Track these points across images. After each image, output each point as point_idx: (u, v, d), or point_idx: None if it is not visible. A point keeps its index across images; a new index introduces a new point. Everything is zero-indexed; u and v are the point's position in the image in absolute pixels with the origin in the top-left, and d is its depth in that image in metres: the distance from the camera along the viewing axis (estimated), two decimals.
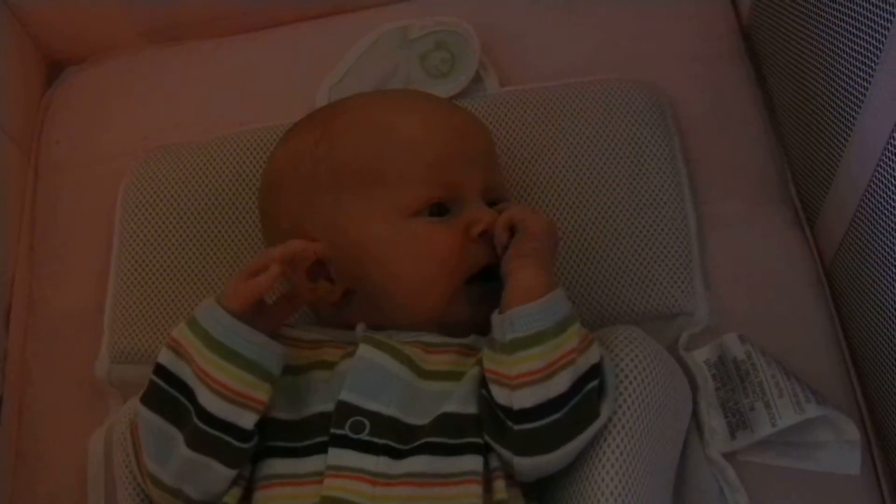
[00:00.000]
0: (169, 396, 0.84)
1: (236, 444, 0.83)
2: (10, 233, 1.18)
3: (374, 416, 0.84)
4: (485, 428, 0.84)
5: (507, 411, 0.83)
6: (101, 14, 1.28)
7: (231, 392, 0.82)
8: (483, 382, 0.86)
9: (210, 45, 1.29)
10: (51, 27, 1.30)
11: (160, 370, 0.85)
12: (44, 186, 1.23)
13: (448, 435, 0.83)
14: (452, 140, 0.96)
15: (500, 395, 0.84)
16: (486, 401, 0.85)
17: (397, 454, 0.83)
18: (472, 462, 0.83)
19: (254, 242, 1.10)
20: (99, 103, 1.27)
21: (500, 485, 0.83)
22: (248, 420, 0.83)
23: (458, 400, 0.85)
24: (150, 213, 1.12)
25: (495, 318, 0.87)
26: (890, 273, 0.91)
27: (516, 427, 0.82)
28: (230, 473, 0.84)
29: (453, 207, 0.93)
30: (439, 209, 0.92)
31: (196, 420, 0.82)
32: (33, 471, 1.07)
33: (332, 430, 0.83)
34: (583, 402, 0.84)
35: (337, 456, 0.82)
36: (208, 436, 0.82)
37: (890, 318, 0.92)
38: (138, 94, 1.26)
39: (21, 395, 1.11)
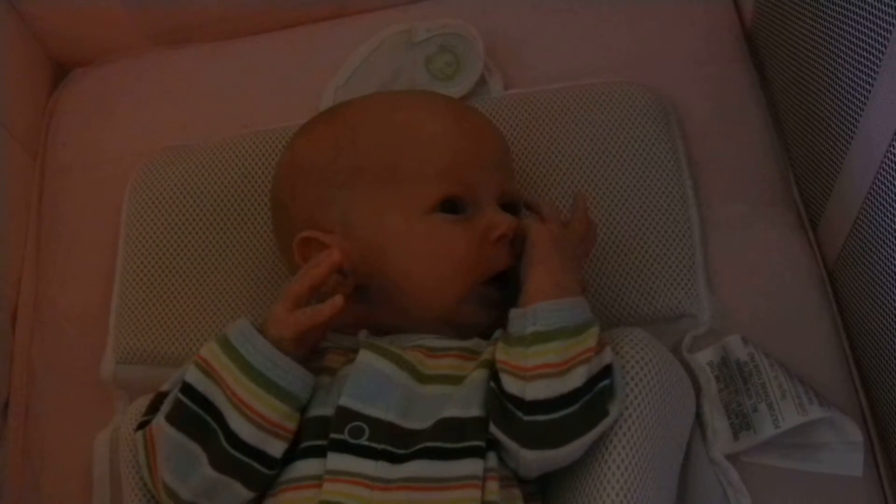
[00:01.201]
0: (196, 416, 0.84)
1: (262, 469, 0.84)
2: (17, 234, 1.19)
3: (373, 422, 0.84)
4: (492, 419, 0.84)
5: (518, 401, 0.83)
6: (106, 17, 1.28)
7: (266, 421, 0.83)
8: (492, 376, 0.86)
9: (215, 47, 1.30)
10: (57, 30, 1.31)
11: (188, 389, 0.85)
12: (50, 188, 1.23)
13: (448, 439, 0.83)
14: (471, 141, 0.96)
15: (512, 384, 0.84)
16: (494, 393, 0.85)
17: (396, 459, 0.83)
18: (472, 466, 0.82)
19: (260, 243, 1.10)
20: (105, 105, 1.27)
21: (492, 486, 0.82)
22: (277, 448, 0.84)
23: (459, 403, 0.85)
24: (156, 215, 1.12)
25: (514, 311, 0.87)
26: (893, 275, 0.91)
27: (527, 418, 0.82)
28: (250, 495, 0.85)
29: (469, 208, 0.93)
30: (453, 206, 0.93)
31: (224, 443, 0.83)
32: (39, 471, 1.07)
33: (332, 435, 0.83)
34: (595, 399, 0.84)
35: (335, 460, 0.82)
36: (236, 460, 0.83)
37: (893, 320, 0.92)
38: (144, 96, 1.27)
39: (27, 395, 1.11)
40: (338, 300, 0.86)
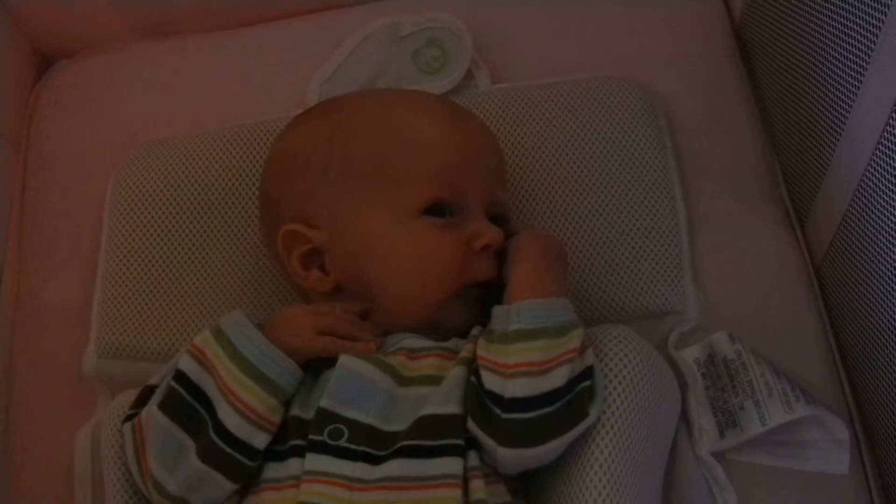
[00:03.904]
0: (188, 405, 0.85)
1: (245, 461, 0.84)
2: None
3: (353, 424, 0.84)
4: (470, 415, 0.84)
5: (497, 398, 0.83)
6: (90, 9, 1.27)
7: (253, 413, 0.84)
8: (473, 372, 0.86)
9: (200, 40, 1.29)
10: (41, 21, 1.30)
11: (181, 377, 0.86)
12: (33, 180, 1.22)
13: (426, 437, 0.83)
14: (465, 147, 0.96)
15: (492, 381, 0.84)
16: (475, 389, 0.85)
17: (375, 460, 0.83)
18: (450, 464, 0.82)
19: (244, 237, 1.09)
20: (88, 98, 1.26)
21: (477, 485, 0.82)
22: (261, 441, 0.85)
23: (438, 401, 0.85)
24: (139, 208, 1.11)
25: (498, 308, 0.87)
26: (879, 272, 0.91)
27: (505, 416, 0.82)
28: (233, 487, 0.85)
29: (456, 214, 0.93)
30: (440, 210, 0.92)
31: (212, 434, 0.84)
32: (20, 466, 1.06)
33: (311, 436, 0.84)
34: (575, 400, 0.84)
35: (314, 461, 0.83)
36: (221, 451, 0.84)
37: (879, 317, 0.92)
38: (128, 89, 1.26)
39: (8, 390, 1.11)
40: (371, 346, 0.89)
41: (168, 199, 1.11)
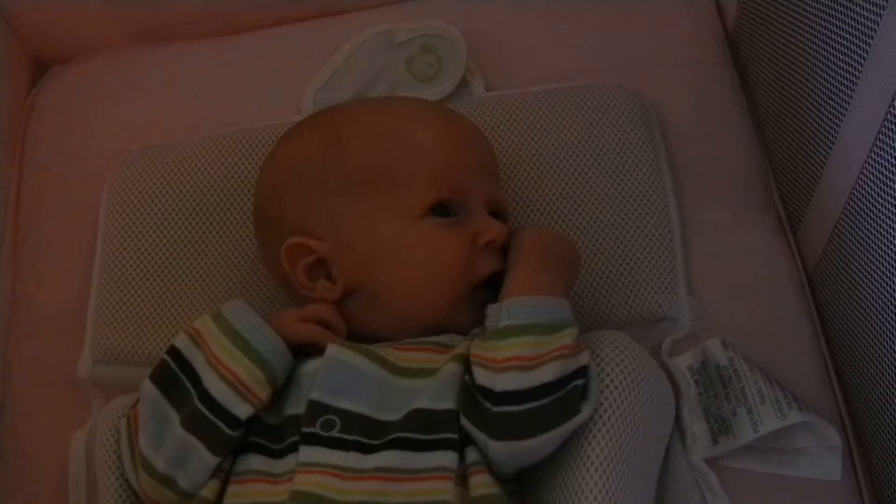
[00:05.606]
0: (175, 378, 0.87)
1: (226, 430, 0.85)
2: None
3: (345, 414, 0.85)
4: (462, 410, 0.85)
5: (488, 393, 0.83)
6: (87, 14, 1.28)
7: (238, 381, 0.86)
8: (466, 369, 0.86)
9: (196, 46, 1.29)
10: (37, 26, 1.30)
11: (173, 351, 0.89)
12: (28, 185, 1.23)
13: (419, 430, 0.84)
14: (461, 147, 0.97)
15: (483, 376, 0.84)
16: (467, 385, 0.86)
17: (367, 449, 0.84)
18: (444, 458, 0.83)
19: (239, 243, 1.09)
20: (84, 103, 1.27)
21: (480, 479, 0.83)
22: (243, 410, 0.86)
23: (431, 396, 0.85)
24: (134, 213, 1.12)
25: (491, 306, 0.88)
26: (872, 280, 0.91)
27: (495, 409, 0.83)
28: (213, 461, 0.86)
29: (459, 213, 0.94)
30: (444, 210, 0.93)
31: (196, 402, 0.85)
32: (14, 470, 1.06)
33: (303, 429, 0.84)
34: (566, 396, 0.84)
35: (307, 453, 0.83)
36: (203, 418, 0.85)
37: (871, 324, 0.93)
38: (124, 94, 1.26)
39: (3, 394, 1.11)
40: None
41: (164, 205, 1.11)
